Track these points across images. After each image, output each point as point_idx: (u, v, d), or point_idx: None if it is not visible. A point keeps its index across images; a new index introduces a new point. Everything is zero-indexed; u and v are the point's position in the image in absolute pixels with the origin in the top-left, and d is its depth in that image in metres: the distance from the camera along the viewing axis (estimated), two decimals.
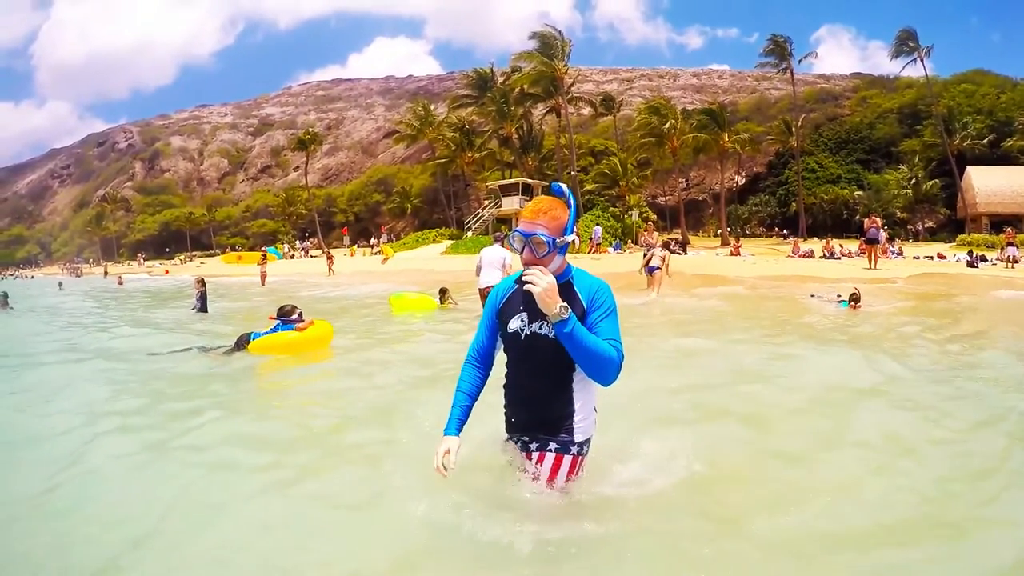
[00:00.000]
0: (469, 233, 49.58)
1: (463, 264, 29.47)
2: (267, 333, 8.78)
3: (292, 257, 57.38)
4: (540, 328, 2.91)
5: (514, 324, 3.00)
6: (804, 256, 32.82)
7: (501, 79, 54.01)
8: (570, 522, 3.02)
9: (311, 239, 71.16)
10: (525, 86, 50.89)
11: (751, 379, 6.64)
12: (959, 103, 53.66)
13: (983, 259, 28.37)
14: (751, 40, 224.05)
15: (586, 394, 3.04)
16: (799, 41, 46.68)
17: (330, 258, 37.09)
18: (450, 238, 50.11)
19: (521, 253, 2.87)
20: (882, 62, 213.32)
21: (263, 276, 29.65)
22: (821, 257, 31.91)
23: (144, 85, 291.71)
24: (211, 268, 50.95)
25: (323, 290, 24.74)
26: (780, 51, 49.69)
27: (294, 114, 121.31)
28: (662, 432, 4.51)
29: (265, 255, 35.72)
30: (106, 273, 47.66)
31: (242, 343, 8.64)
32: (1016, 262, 26.74)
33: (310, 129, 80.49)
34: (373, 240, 61.91)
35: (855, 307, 12.51)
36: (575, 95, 55.62)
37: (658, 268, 16.52)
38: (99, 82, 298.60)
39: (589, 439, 3.13)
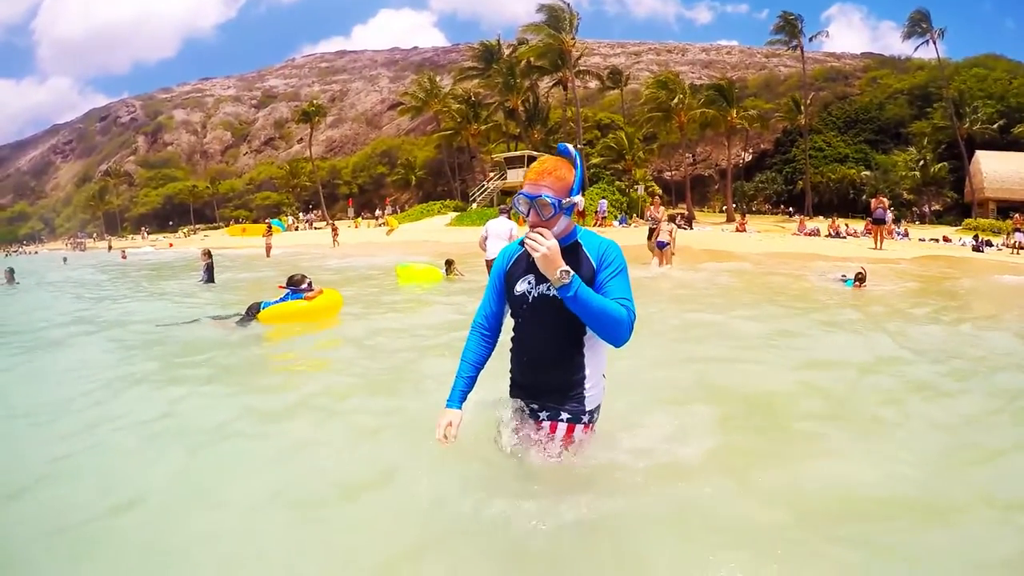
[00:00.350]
0: (474, 205, 49.53)
1: (468, 236, 29.45)
2: (277, 302, 8.78)
3: (296, 229, 57.31)
4: (548, 290, 2.84)
5: (521, 287, 2.95)
6: (810, 234, 32.67)
7: (508, 51, 53.60)
8: (583, 491, 2.98)
9: (315, 211, 71.06)
10: (532, 59, 50.60)
11: (757, 353, 6.70)
12: (970, 87, 53.24)
13: (988, 244, 28.52)
14: (761, 16, 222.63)
15: (596, 359, 2.99)
16: (810, 19, 46.58)
17: (335, 230, 37.04)
18: (455, 210, 50.07)
19: (527, 216, 2.79)
20: (893, 43, 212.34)
21: (268, 248, 29.91)
22: (827, 236, 31.77)
23: (146, 59, 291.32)
24: (215, 240, 51.05)
25: (329, 261, 24.69)
26: (791, 29, 49.33)
27: (298, 86, 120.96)
28: (670, 404, 4.48)
29: (270, 227, 35.76)
30: (110, 247, 47.71)
31: (252, 312, 8.66)
32: (1020, 248, 26.71)
33: (314, 101, 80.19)
34: (378, 212, 61.77)
35: (860, 287, 12.54)
36: (582, 68, 55.21)
37: (667, 243, 16.98)
38: (101, 56, 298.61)
39: (599, 406, 3.09)
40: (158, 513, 3.29)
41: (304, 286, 8.86)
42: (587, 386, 2.98)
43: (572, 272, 2.62)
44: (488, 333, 3.15)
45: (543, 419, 3.03)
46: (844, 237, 31.36)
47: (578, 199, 2.79)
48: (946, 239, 31.64)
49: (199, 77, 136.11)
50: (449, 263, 14.75)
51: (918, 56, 53.66)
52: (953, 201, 49.06)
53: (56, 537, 3.08)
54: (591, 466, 3.10)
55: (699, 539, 2.88)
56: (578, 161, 2.86)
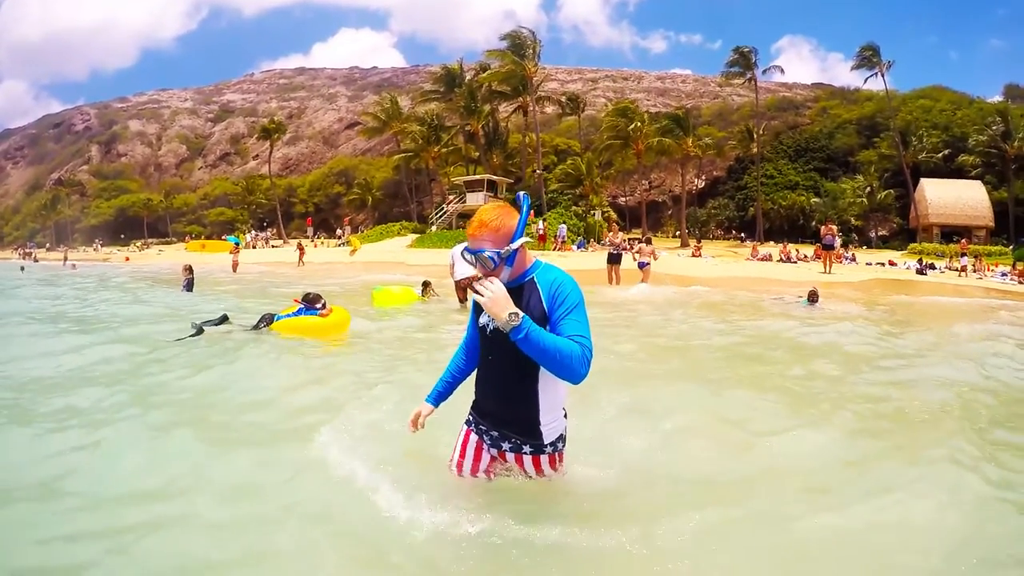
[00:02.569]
0: (433, 228, 49.53)
1: (432, 258, 29.94)
2: (292, 315, 9.16)
3: (254, 247, 56.48)
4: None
5: (483, 319, 3.00)
6: (762, 259, 33.45)
7: (469, 75, 53.97)
8: (557, 509, 3.09)
9: (270, 229, 70.22)
10: (494, 84, 51.05)
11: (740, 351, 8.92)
12: (916, 117, 55.49)
13: (932, 267, 29.63)
14: (715, 47, 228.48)
15: (553, 396, 2.99)
16: (761, 50, 47.99)
17: (301, 249, 36.60)
18: (414, 232, 50.02)
19: (474, 266, 2.89)
20: (841, 74, 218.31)
21: (235, 264, 29.75)
22: (779, 260, 32.59)
23: (104, 67, 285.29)
24: (171, 256, 50.02)
25: (299, 281, 24.19)
26: (745, 61, 50.70)
27: (255, 101, 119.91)
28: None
29: (238, 245, 35.38)
30: (65, 259, 45.97)
31: (266, 320, 9.06)
32: (966, 271, 27.92)
33: (274, 118, 79.64)
34: (339, 231, 61.34)
35: (813, 304, 14.22)
36: (541, 94, 55.85)
37: (647, 264, 18.89)
38: (58, 62, 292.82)
39: (561, 435, 3.12)
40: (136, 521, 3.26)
41: (319, 306, 9.27)
42: (543, 421, 3.00)
43: (522, 314, 2.63)
44: (467, 353, 3.30)
45: (506, 450, 3.10)
46: (795, 262, 32.17)
47: (518, 244, 2.78)
48: (892, 263, 32.65)
49: (156, 88, 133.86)
50: (426, 284, 15.04)
51: (867, 87, 55.54)
52: (899, 226, 50.72)
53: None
54: (571, 479, 3.25)
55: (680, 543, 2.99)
56: (524, 205, 2.84)
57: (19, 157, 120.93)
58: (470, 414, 3.26)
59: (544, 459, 3.07)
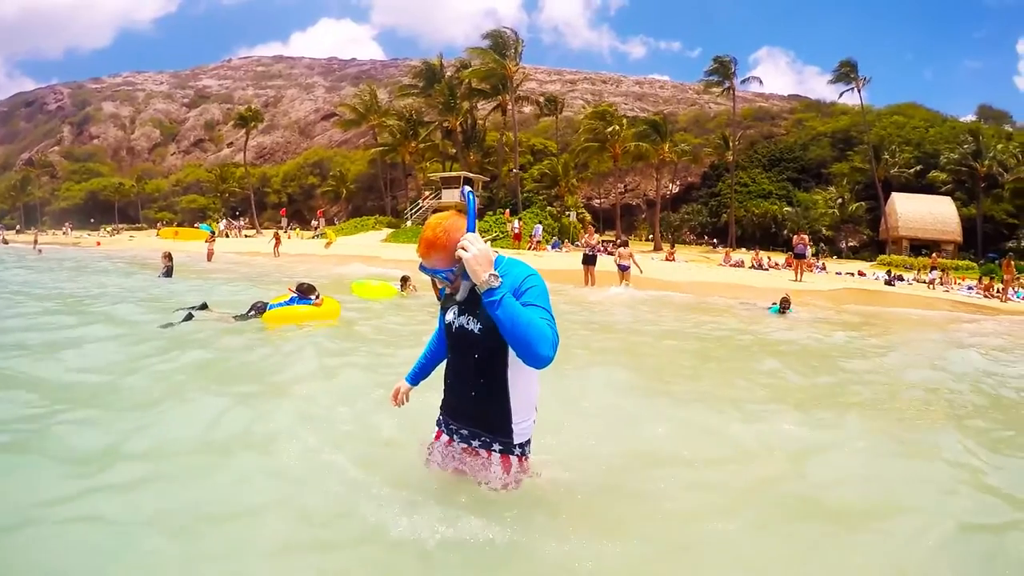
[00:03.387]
0: (408, 223, 49.31)
1: (407, 253, 29.50)
2: (284, 304, 9.34)
3: (227, 236, 55.56)
4: (468, 323, 2.87)
5: (448, 316, 3.01)
6: (735, 265, 33.70)
7: (449, 72, 53.79)
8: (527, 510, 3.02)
9: (242, 218, 69.16)
10: (474, 81, 50.94)
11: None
12: (890, 133, 56.49)
13: (900, 279, 30.16)
14: (693, 55, 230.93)
15: (524, 394, 2.96)
16: (739, 60, 48.35)
17: (277, 239, 36.00)
18: (388, 226, 49.83)
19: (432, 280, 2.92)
20: (816, 86, 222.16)
21: (210, 253, 28.83)
22: (751, 267, 32.88)
23: (80, 46, 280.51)
24: (142, 242, 49.15)
25: (276, 272, 24.03)
26: (724, 71, 51.16)
27: (231, 88, 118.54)
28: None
29: (214, 233, 34.85)
30: (36, 242, 44.19)
31: (258, 309, 9.22)
32: (934, 284, 28.45)
33: (251, 106, 78.72)
34: (313, 223, 60.65)
35: (784, 311, 14.60)
36: (520, 94, 55.83)
37: (628, 267, 19.66)
38: (33, 39, 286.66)
39: (529, 440, 3.09)
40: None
41: (312, 296, 9.55)
42: (514, 420, 2.96)
43: (501, 279, 2.58)
44: (438, 342, 3.38)
45: (476, 447, 3.02)
46: (767, 269, 32.52)
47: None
48: (861, 273, 33.13)
49: (132, 70, 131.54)
50: (405, 280, 15.25)
51: (842, 101, 56.27)
52: (869, 238, 51.45)
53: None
54: (537, 481, 3.20)
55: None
56: (471, 209, 2.75)
57: None
58: (440, 414, 3.23)
59: (513, 460, 3.02)
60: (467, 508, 2.95)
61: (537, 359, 2.53)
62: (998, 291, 25.81)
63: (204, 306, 9.43)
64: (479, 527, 2.84)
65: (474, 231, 2.70)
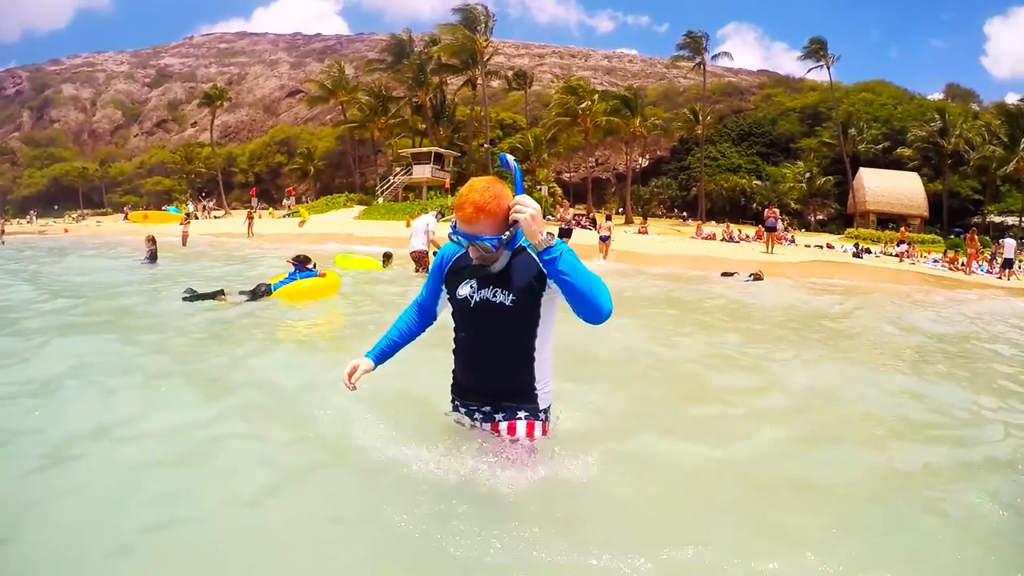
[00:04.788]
0: (380, 199, 48.96)
1: (383, 230, 29.89)
2: (287, 281, 9.44)
3: (196, 218, 54.54)
4: (495, 295, 2.78)
5: (463, 290, 2.87)
6: (706, 238, 33.99)
7: (418, 47, 53.32)
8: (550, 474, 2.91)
9: (208, 199, 67.84)
10: (443, 56, 50.58)
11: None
12: (858, 109, 57.24)
13: (868, 251, 30.78)
14: (661, 30, 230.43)
15: (546, 359, 2.94)
16: (708, 35, 48.69)
17: (251, 219, 35.33)
18: (359, 203, 49.42)
19: (466, 248, 2.79)
20: (784, 62, 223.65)
21: (185, 236, 27.63)
22: (722, 240, 33.17)
23: (36, 28, 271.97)
24: (110, 227, 47.99)
25: (254, 251, 23.64)
26: (695, 46, 51.26)
27: (194, 66, 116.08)
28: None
29: (189, 215, 34.08)
30: (2, 232, 42.04)
31: (260, 292, 9.21)
32: (903, 256, 29.03)
33: (216, 84, 77.34)
34: (285, 202, 59.84)
35: (756, 281, 15.49)
36: (489, 68, 55.53)
37: (609, 237, 20.62)
38: None
39: (550, 406, 3.06)
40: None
41: (311, 265, 9.72)
42: (538, 387, 2.95)
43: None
44: (420, 313, 3.17)
45: (499, 420, 2.97)
46: (738, 242, 32.87)
47: (514, 228, 2.63)
48: (829, 246, 33.74)
49: (91, 51, 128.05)
50: (388, 256, 15.76)
51: (811, 77, 56.70)
52: (837, 212, 52.12)
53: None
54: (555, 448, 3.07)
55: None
56: (517, 175, 2.73)
57: None
58: (453, 399, 3.17)
59: (538, 425, 2.98)
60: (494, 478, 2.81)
61: (600, 312, 2.55)
62: (962, 264, 26.46)
63: (221, 292, 9.25)
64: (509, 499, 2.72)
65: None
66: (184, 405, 4.18)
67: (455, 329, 3.02)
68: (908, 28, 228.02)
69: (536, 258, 2.64)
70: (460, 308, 2.91)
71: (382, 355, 3.10)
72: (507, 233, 2.64)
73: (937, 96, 69.28)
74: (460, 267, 2.92)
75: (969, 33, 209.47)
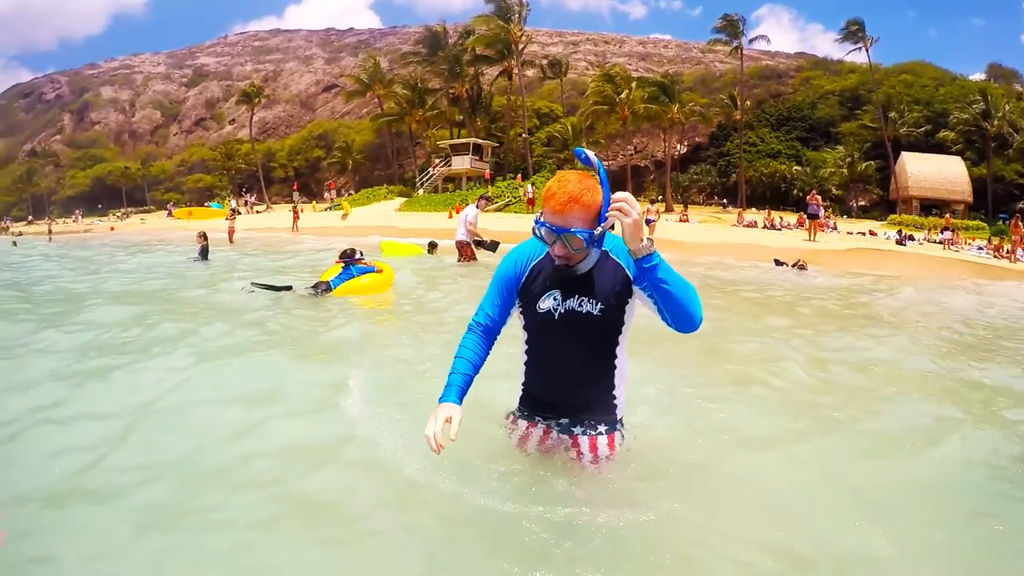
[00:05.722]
0: (420, 191, 49.43)
1: (423, 221, 30.11)
2: (347, 278, 9.63)
3: (240, 213, 55.49)
4: (581, 305, 2.63)
5: (545, 303, 2.68)
6: (748, 225, 33.82)
7: (453, 38, 53.58)
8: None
9: (249, 194, 68.96)
10: (478, 47, 50.79)
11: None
12: (899, 92, 55.85)
13: (911, 238, 30.25)
14: (695, 13, 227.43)
15: (624, 369, 2.82)
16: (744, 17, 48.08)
17: (296, 214, 36.02)
18: (400, 195, 49.92)
19: (552, 246, 2.57)
20: (820, 43, 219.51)
21: (231, 232, 27.74)
22: (763, 227, 33.00)
23: (73, 34, 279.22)
24: (154, 224, 49.24)
25: (303, 245, 24.28)
26: (732, 29, 50.52)
27: (230, 65, 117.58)
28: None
29: (234, 211, 34.67)
30: (49, 232, 42.54)
31: (321, 289, 9.43)
32: (947, 244, 28.53)
33: (253, 82, 78.34)
34: (327, 195, 60.70)
35: (801, 271, 15.65)
36: (524, 58, 55.59)
37: (654, 220, 21.41)
38: (25, 32, 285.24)
39: (623, 413, 2.95)
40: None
41: (359, 258, 9.92)
42: (617, 394, 2.85)
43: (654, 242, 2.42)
44: (487, 337, 2.84)
45: (578, 434, 2.84)
46: (779, 229, 32.64)
47: (609, 223, 2.47)
48: (872, 233, 33.27)
49: (128, 53, 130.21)
50: (433, 245, 16.31)
51: (850, 59, 55.82)
52: (879, 197, 51.19)
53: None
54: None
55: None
56: (602, 172, 2.55)
57: None
58: (523, 410, 2.99)
59: (617, 436, 2.88)
60: (569, 489, 2.74)
61: (693, 322, 2.50)
62: (1007, 251, 25.68)
63: (289, 287, 9.63)
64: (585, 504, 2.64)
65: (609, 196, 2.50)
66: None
67: (528, 341, 2.85)
68: (946, 6, 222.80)
69: (620, 262, 2.62)
70: (541, 322, 2.73)
71: (462, 393, 2.69)
72: (600, 228, 2.49)
73: (979, 76, 67.52)
74: (540, 279, 2.72)
75: (1010, 10, 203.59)
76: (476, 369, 2.76)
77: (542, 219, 2.55)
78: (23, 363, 5.21)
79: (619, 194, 2.38)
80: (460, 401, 2.63)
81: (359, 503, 2.90)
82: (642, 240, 2.37)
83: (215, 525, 2.73)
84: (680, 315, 2.48)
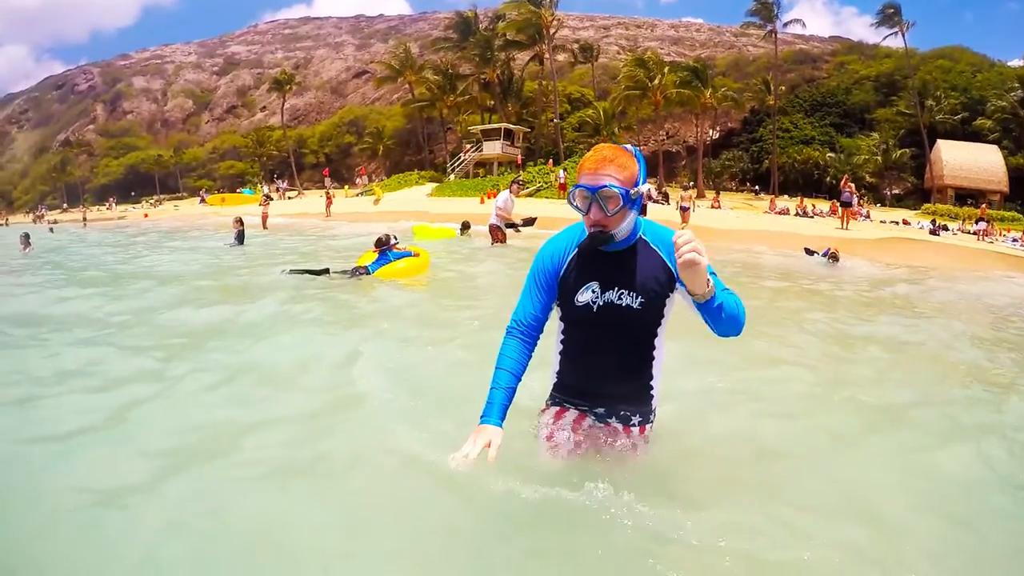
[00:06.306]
0: (451, 176, 49.74)
1: (455, 206, 30.25)
2: (385, 262, 9.90)
3: (272, 199, 55.93)
4: (621, 298, 2.59)
5: (584, 296, 2.62)
6: (780, 213, 33.70)
7: (484, 23, 53.63)
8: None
9: (280, 180, 69.79)
10: (509, 32, 50.82)
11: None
12: (935, 78, 54.74)
13: (945, 228, 29.84)
14: None
15: (661, 360, 2.78)
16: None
17: (329, 199, 36.51)
18: (431, 180, 50.23)
19: (587, 213, 2.50)
20: (854, 27, 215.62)
21: (264, 217, 27.35)
22: (796, 215, 32.87)
23: (105, 26, 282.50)
24: (187, 210, 50.00)
25: (337, 230, 24.66)
26: (767, 12, 49.96)
27: (260, 53, 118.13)
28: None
29: (268, 196, 35.07)
30: (84, 219, 43.25)
31: (359, 272, 9.77)
32: (981, 235, 28.12)
33: (284, 69, 78.99)
34: (358, 181, 61.34)
35: (833, 261, 15.33)
36: (555, 43, 55.46)
37: (689, 207, 21.41)
38: (57, 25, 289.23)
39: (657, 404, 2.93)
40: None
41: (393, 242, 10.13)
42: (654, 385, 2.81)
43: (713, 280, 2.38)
44: (529, 339, 2.75)
45: (613, 423, 2.83)
46: (812, 217, 32.51)
47: (645, 188, 2.52)
48: (905, 222, 32.88)
49: (159, 43, 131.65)
50: (466, 225, 16.51)
51: (885, 44, 54.98)
52: (913, 186, 50.47)
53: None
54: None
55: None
56: (641, 163, 2.53)
57: (23, 121, 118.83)
58: (558, 396, 2.93)
59: (648, 427, 2.87)
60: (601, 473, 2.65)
61: (737, 331, 2.51)
62: None
63: (327, 270, 9.88)
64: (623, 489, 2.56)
65: (646, 181, 2.55)
66: None
67: (564, 332, 2.80)
68: None
69: (660, 253, 2.59)
70: (579, 314, 2.67)
71: (504, 411, 2.61)
72: (635, 189, 2.46)
73: (1017, 63, 65.61)
74: (577, 271, 2.67)
75: None
76: (519, 379, 2.68)
77: (574, 192, 2.53)
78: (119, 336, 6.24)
79: (687, 235, 2.30)
80: (502, 423, 2.56)
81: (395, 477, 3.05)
82: (707, 287, 2.34)
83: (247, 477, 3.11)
84: (726, 328, 2.48)
